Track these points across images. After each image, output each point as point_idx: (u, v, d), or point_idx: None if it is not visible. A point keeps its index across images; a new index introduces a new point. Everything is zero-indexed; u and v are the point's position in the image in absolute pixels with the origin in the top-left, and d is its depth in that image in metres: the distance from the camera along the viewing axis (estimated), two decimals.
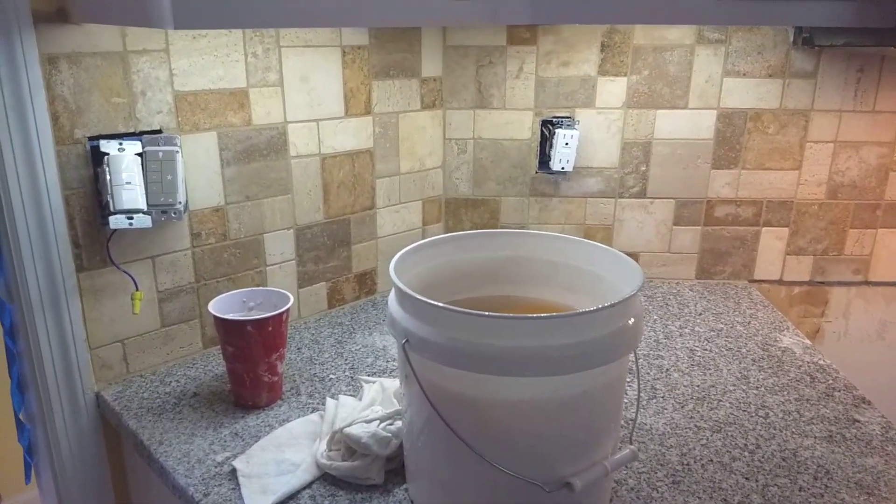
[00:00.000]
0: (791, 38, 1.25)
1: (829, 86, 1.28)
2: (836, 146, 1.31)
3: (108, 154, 0.90)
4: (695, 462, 0.85)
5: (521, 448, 0.67)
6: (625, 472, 0.82)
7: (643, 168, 1.35)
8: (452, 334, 0.64)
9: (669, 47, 1.27)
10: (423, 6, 0.79)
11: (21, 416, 1.03)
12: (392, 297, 0.73)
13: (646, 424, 0.92)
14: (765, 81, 1.28)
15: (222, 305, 0.95)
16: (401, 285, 0.68)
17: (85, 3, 0.80)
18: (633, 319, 0.67)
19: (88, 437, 0.99)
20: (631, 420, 0.92)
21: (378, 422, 0.82)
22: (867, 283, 1.39)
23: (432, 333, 0.65)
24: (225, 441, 0.88)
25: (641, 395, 0.97)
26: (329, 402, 0.93)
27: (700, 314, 1.26)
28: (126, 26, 0.89)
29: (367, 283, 1.30)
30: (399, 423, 0.82)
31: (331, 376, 1.04)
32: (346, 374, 1.04)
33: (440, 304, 0.64)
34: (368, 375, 1.03)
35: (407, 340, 0.67)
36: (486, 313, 0.62)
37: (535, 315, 0.62)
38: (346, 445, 0.81)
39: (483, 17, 0.85)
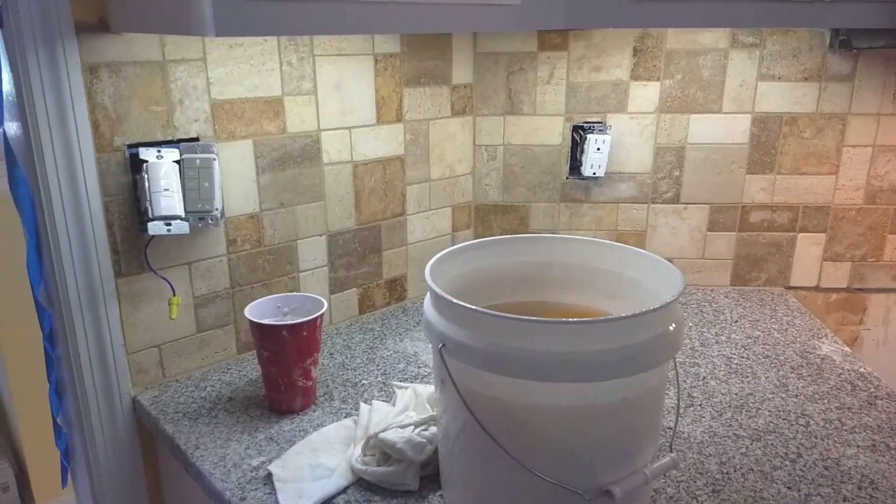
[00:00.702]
0: (828, 41, 1.23)
1: (866, 89, 1.25)
2: (875, 150, 1.29)
3: (146, 161, 0.91)
4: (735, 471, 0.83)
5: (559, 455, 0.66)
6: (664, 480, 0.81)
7: (676, 173, 1.34)
8: (490, 339, 0.63)
9: (703, 51, 1.26)
10: (457, 14, 0.80)
11: (59, 420, 1.04)
12: (427, 301, 0.73)
13: (684, 433, 0.91)
14: (800, 85, 1.26)
15: (258, 310, 0.96)
16: (437, 289, 0.68)
17: (126, 13, 0.82)
18: (673, 325, 0.67)
19: (124, 442, 1.00)
20: (669, 428, 0.91)
21: (413, 427, 0.82)
22: None
23: (469, 338, 0.65)
24: (260, 445, 0.88)
25: (679, 404, 0.96)
26: (363, 407, 0.93)
27: (736, 321, 1.24)
28: (166, 35, 0.91)
29: (397, 289, 1.30)
30: (434, 429, 0.82)
31: (363, 382, 1.04)
32: (379, 379, 1.04)
33: (478, 308, 0.64)
34: (401, 381, 1.03)
35: (443, 345, 0.67)
36: (525, 317, 0.61)
37: (574, 319, 0.61)
38: (381, 451, 0.81)
39: (518, 23, 0.85)
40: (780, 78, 1.26)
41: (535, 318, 0.61)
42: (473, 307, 0.64)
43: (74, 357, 0.93)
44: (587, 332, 0.62)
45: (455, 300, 0.65)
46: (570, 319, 0.61)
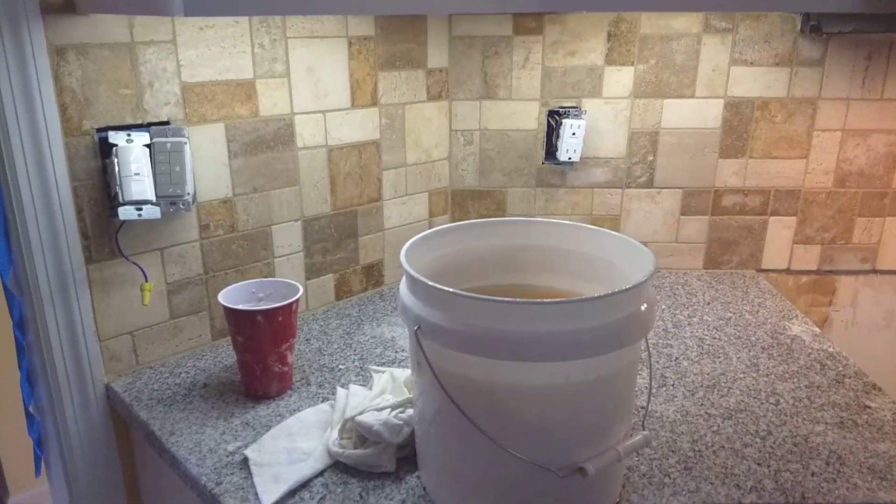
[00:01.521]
0: (798, 26, 1.24)
1: (836, 74, 1.27)
2: (844, 134, 1.31)
3: (116, 145, 0.90)
4: (706, 448, 0.84)
5: (533, 433, 0.67)
6: (637, 458, 0.82)
7: (650, 158, 1.35)
8: (465, 320, 0.64)
9: (676, 36, 1.27)
10: None
11: (31, 409, 1.03)
12: (403, 284, 0.73)
13: (657, 412, 0.92)
14: (772, 70, 1.28)
15: (232, 296, 0.95)
16: (412, 272, 0.68)
17: None
18: (645, 305, 0.67)
19: (98, 429, 0.99)
20: (642, 408, 0.92)
21: (389, 410, 0.82)
22: (875, 271, 1.39)
23: (445, 319, 0.65)
24: (236, 431, 0.88)
25: (652, 383, 0.97)
26: (339, 391, 0.93)
27: (708, 303, 1.26)
28: (134, 16, 0.89)
29: (374, 274, 1.30)
30: (410, 411, 0.82)
31: (340, 366, 1.04)
32: (356, 364, 1.04)
33: (452, 290, 0.64)
34: (378, 366, 1.03)
35: (419, 327, 0.67)
36: (499, 298, 0.62)
37: (547, 300, 0.62)
38: (358, 433, 0.81)
39: (494, 4, 0.85)
40: (752, 63, 1.28)
41: (508, 299, 0.62)
42: (448, 289, 0.64)
43: (46, 345, 0.92)
44: (560, 312, 0.63)
45: (430, 282, 0.66)
46: (543, 300, 0.62)
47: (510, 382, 0.66)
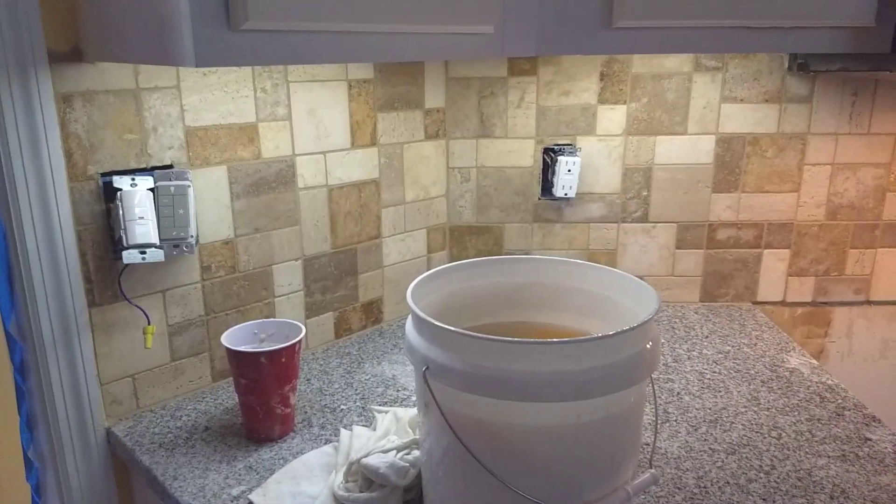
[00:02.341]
0: (786, 64, 1.28)
1: (824, 109, 1.30)
2: (834, 168, 1.33)
3: (120, 189, 0.90)
4: (711, 485, 0.85)
5: (543, 474, 0.67)
6: (644, 496, 0.82)
7: (645, 193, 1.37)
8: (473, 360, 0.64)
9: (667, 75, 1.30)
10: (433, 42, 0.81)
11: (29, 454, 1.02)
12: (409, 324, 0.74)
13: (661, 448, 0.92)
14: (762, 106, 1.31)
15: (234, 338, 0.95)
16: (419, 312, 0.69)
17: (101, 43, 0.82)
18: (650, 343, 0.68)
19: (99, 475, 0.98)
20: (647, 444, 0.92)
21: (395, 451, 0.82)
22: (868, 302, 1.41)
23: (453, 360, 0.65)
24: (240, 475, 0.87)
25: (657, 419, 0.97)
26: (343, 432, 0.92)
27: (707, 337, 1.27)
28: (142, 64, 0.90)
29: (373, 311, 1.30)
30: (416, 453, 0.82)
31: (342, 407, 1.03)
32: (357, 404, 1.04)
33: (461, 331, 0.64)
34: (380, 405, 1.03)
35: (427, 368, 0.67)
36: (509, 339, 0.62)
37: (556, 340, 0.63)
38: (364, 476, 0.81)
39: (491, 50, 0.87)
40: (742, 100, 1.31)
41: (517, 339, 0.63)
42: (456, 329, 0.65)
43: (47, 389, 0.92)
44: (569, 352, 0.63)
45: (438, 323, 0.66)
46: (552, 340, 0.62)
47: (519, 423, 0.66)
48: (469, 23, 0.84)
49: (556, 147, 1.34)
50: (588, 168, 1.35)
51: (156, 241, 0.91)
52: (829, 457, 0.90)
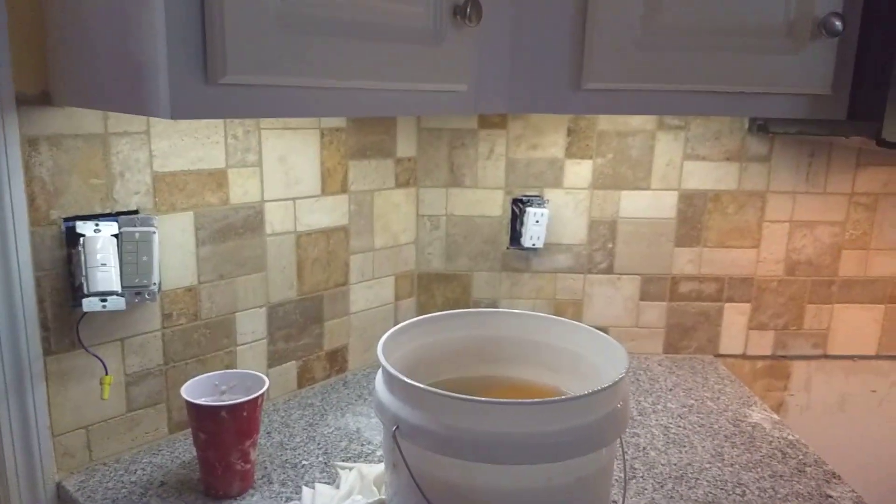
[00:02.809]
0: (746, 126, 1.33)
1: (782, 169, 1.35)
2: (792, 225, 1.38)
3: (83, 235, 0.88)
4: None
5: None
6: None
7: (610, 245, 1.39)
8: (446, 420, 0.63)
9: (632, 132, 1.33)
10: (407, 99, 0.82)
11: None
12: (379, 380, 0.73)
13: None
14: (723, 164, 1.35)
15: (194, 389, 0.93)
16: (392, 370, 0.68)
17: (72, 88, 0.80)
18: (621, 402, 0.68)
19: None
20: (614, 502, 0.92)
21: None
22: (826, 356, 1.44)
23: (424, 419, 0.64)
24: None
25: (622, 474, 0.97)
26: (305, 491, 0.90)
27: (671, 389, 1.28)
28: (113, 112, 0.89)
29: (338, 360, 1.28)
30: None
31: (304, 462, 1.01)
32: (320, 459, 1.02)
33: (434, 390, 0.64)
34: (343, 460, 1.01)
35: (397, 427, 0.66)
36: (483, 399, 0.62)
37: (532, 401, 0.62)
38: None
39: (464, 107, 0.89)
40: (703, 157, 1.35)
41: (492, 399, 0.62)
42: (429, 388, 0.64)
43: None
44: (543, 412, 0.63)
45: (410, 381, 0.65)
46: (528, 401, 0.62)
47: (490, 486, 0.65)
48: (443, 81, 0.85)
49: (524, 198, 1.35)
50: (555, 219, 1.37)
51: (118, 288, 0.89)
52: None
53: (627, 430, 1.12)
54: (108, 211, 0.92)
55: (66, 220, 0.89)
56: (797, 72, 0.94)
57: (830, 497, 0.95)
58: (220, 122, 1.01)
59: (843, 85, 0.96)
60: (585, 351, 0.83)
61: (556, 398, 0.64)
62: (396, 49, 0.77)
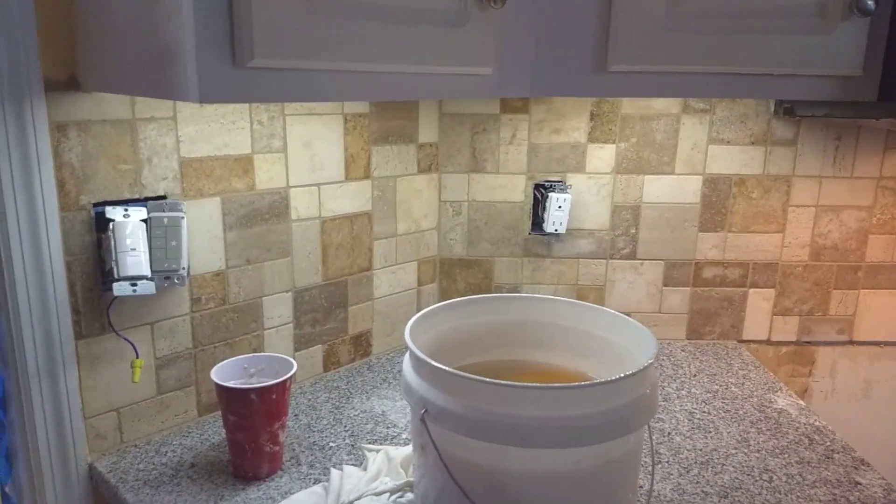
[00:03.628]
0: (772, 109, 1.31)
1: (808, 153, 1.33)
2: (818, 210, 1.36)
3: (113, 220, 0.89)
4: None
5: None
6: None
7: (633, 230, 1.38)
8: (474, 404, 0.64)
9: (656, 116, 1.32)
10: (432, 82, 0.82)
11: (7, 489, 0.99)
12: (407, 364, 0.73)
13: (654, 491, 0.92)
14: (748, 149, 1.33)
15: (224, 373, 0.94)
16: (420, 354, 0.68)
17: (99, 73, 0.81)
18: (650, 388, 0.68)
19: None
20: (640, 487, 0.92)
21: (388, 494, 0.81)
22: (852, 342, 1.43)
23: (453, 403, 0.65)
24: None
25: (647, 459, 0.97)
26: (333, 472, 0.91)
27: (695, 375, 1.27)
28: (140, 97, 0.90)
29: (362, 344, 1.29)
30: (410, 496, 0.81)
31: (331, 444, 1.02)
32: (347, 441, 1.03)
33: (463, 374, 0.64)
34: (369, 443, 1.02)
35: (426, 410, 0.67)
36: (512, 383, 0.62)
37: (560, 385, 0.62)
38: None
39: (488, 90, 0.88)
40: (728, 142, 1.33)
41: (521, 384, 0.62)
42: (458, 372, 0.64)
43: (29, 422, 0.89)
44: (571, 397, 0.63)
45: (438, 365, 0.66)
46: (556, 385, 0.62)
47: (518, 469, 0.65)
48: (468, 64, 0.84)
49: (546, 183, 1.35)
50: (578, 205, 1.36)
51: (147, 273, 0.90)
52: (820, 501, 0.90)
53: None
54: (136, 196, 0.93)
55: (96, 205, 0.90)
56: (827, 53, 0.92)
57: (860, 484, 0.94)
58: (245, 107, 1.02)
59: (873, 66, 0.94)
60: (613, 336, 0.83)
61: (586, 383, 0.64)
62: (421, 31, 0.77)
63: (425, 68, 0.80)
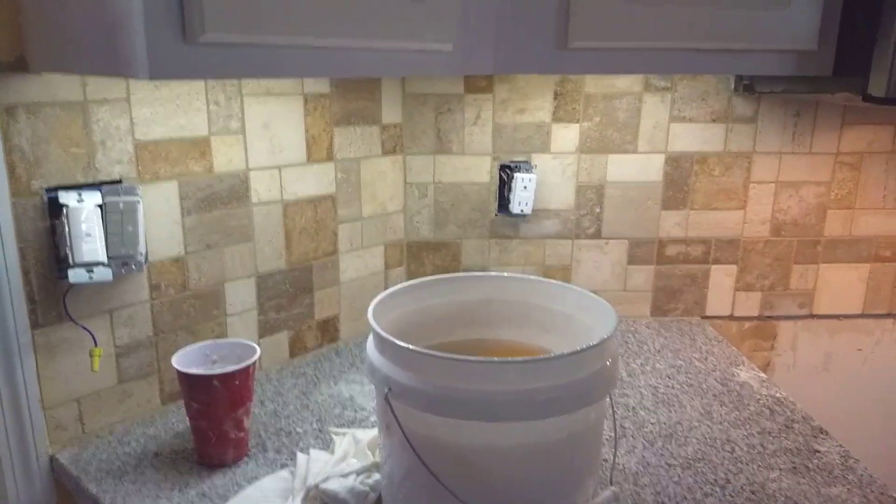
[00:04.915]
0: (732, 86, 1.32)
1: (768, 130, 1.35)
2: (778, 186, 1.38)
3: (66, 206, 0.87)
4: (669, 500, 0.86)
5: (506, 494, 0.67)
6: None
7: (597, 210, 1.39)
8: (437, 381, 0.63)
9: (619, 95, 1.33)
10: (391, 59, 0.81)
11: None
12: (370, 344, 0.73)
13: (618, 464, 0.93)
14: (709, 126, 1.35)
15: (185, 359, 0.92)
16: (382, 332, 0.68)
17: (48, 52, 0.79)
18: (610, 360, 0.69)
19: None
20: (605, 461, 0.93)
21: (355, 475, 0.81)
22: (812, 316, 1.46)
23: (416, 380, 0.65)
24: (192, 502, 0.84)
25: (612, 434, 0.98)
26: (300, 456, 0.90)
27: (659, 351, 1.29)
28: (90, 76, 0.87)
29: (329, 330, 1.28)
30: (377, 476, 0.81)
31: (297, 430, 1.01)
32: (314, 426, 1.02)
33: (425, 351, 0.64)
34: (338, 427, 1.01)
35: (389, 389, 0.66)
36: (473, 358, 0.62)
37: (520, 358, 0.63)
38: (322, 502, 0.79)
39: (449, 68, 0.87)
40: (690, 119, 1.34)
41: (481, 358, 0.62)
42: (420, 349, 0.64)
43: None
44: (531, 370, 0.63)
45: (401, 343, 0.65)
46: (516, 359, 0.62)
47: (482, 443, 0.66)
48: (429, 40, 0.84)
49: (512, 164, 1.35)
50: (543, 185, 1.36)
51: (103, 259, 0.88)
52: (780, 469, 0.92)
53: (617, 391, 1.13)
54: (90, 181, 0.91)
55: (48, 190, 0.87)
56: (784, 27, 0.93)
57: (818, 452, 0.97)
58: (201, 88, 1.00)
59: (829, 41, 0.95)
60: (576, 312, 0.83)
61: (544, 356, 0.65)
62: (380, 4, 0.76)
63: (385, 43, 0.79)
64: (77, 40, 0.72)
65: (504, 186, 1.36)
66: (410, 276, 1.41)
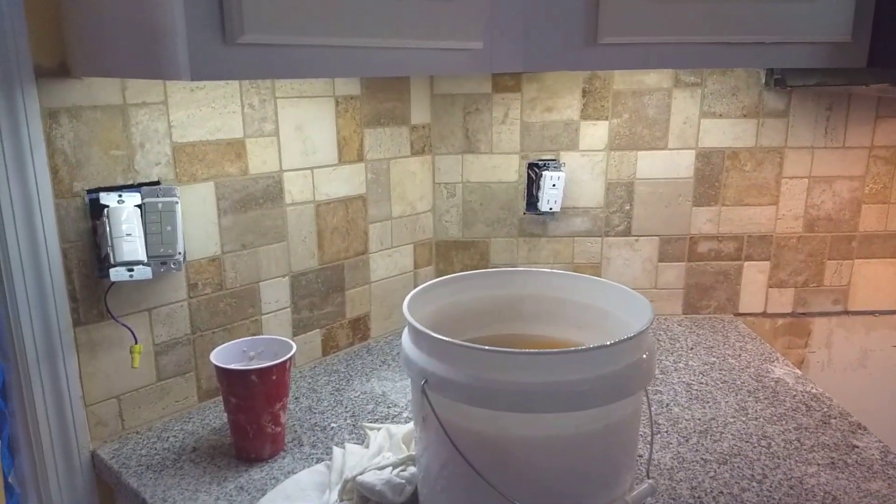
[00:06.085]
0: (763, 80, 1.31)
1: (800, 124, 1.33)
2: (811, 181, 1.36)
3: (107, 206, 0.89)
4: (706, 495, 0.85)
5: (543, 485, 0.67)
6: None
7: (627, 207, 1.38)
8: (473, 372, 0.64)
9: (648, 91, 1.32)
10: (422, 57, 0.82)
11: (10, 480, 0.99)
12: (405, 337, 0.73)
13: (654, 459, 0.93)
14: (740, 121, 1.34)
15: (223, 356, 0.94)
16: (417, 325, 0.69)
17: (89, 57, 0.81)
18: (646, 353, 0.69)
19: (83, 499, 0.96)
20: (640, 456, 0.92)
21: (391, 468, 0.81)
22: (847, 312, 1.43)
23: (452, 372, 0.65)
24: (231, 496, 0.85)
25: (646, 430, 0.98)
26: (336, 450, 0.91)
27: (692, 348, 1.28)
28: (129, 79, 0.90)
29: (360, 328, 1.30)
30: (412, 469, 0.81)
31: (332, 425, 1.02)
32: (348, 422, 1.03)
33: (461, 343, 0.64)
34: (371, 422, 1.02)
35: (426, 381, 0.67)
36: (509, 350, 0.62)
37: (556, 350, 0.63)
38: (359, 494, 0.80)
39: (479, 66, 0.88)
40: (720, 115, 1.33)
41: (518, 350, 0.63)
42: (456, 341, 0.65)
43: (31, 411, 0.89)
44: (568, 362, 0.64)
45: (437, 335, 0.66)
46: (552, 350, 0.63)
47: (519, 434, 0.66)
48: (459, 39, 0.84)
49: (540, 162, 1.35)
50: (572, 183, 1.36)
51: (143, 258, 0.90)
52: (818, 465, 0.91)
53: (650, 387, 1.13)
54: (130, 182, 0.93)
55: (90, 191, 0.90)
56: (816, 19, 0.92)
57: (857, 447, 0.95)
58: (235, 91, 1.02)
59: (862, 31, 0.94)
60: (610, 306, 0.83)
61: (581, 347, 0.65)
62: (411, 4, 0.77)
63: (416, 42, 0.80)
64: (117, 45, 0.74)
65: (532, 185, 1.36)
66: (439, 274, 1.42)
